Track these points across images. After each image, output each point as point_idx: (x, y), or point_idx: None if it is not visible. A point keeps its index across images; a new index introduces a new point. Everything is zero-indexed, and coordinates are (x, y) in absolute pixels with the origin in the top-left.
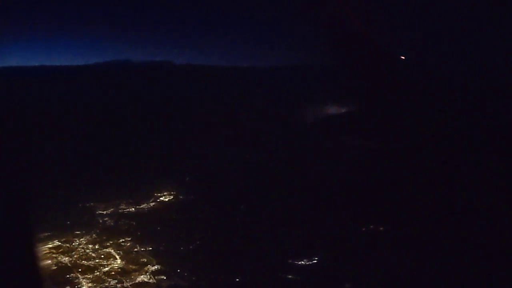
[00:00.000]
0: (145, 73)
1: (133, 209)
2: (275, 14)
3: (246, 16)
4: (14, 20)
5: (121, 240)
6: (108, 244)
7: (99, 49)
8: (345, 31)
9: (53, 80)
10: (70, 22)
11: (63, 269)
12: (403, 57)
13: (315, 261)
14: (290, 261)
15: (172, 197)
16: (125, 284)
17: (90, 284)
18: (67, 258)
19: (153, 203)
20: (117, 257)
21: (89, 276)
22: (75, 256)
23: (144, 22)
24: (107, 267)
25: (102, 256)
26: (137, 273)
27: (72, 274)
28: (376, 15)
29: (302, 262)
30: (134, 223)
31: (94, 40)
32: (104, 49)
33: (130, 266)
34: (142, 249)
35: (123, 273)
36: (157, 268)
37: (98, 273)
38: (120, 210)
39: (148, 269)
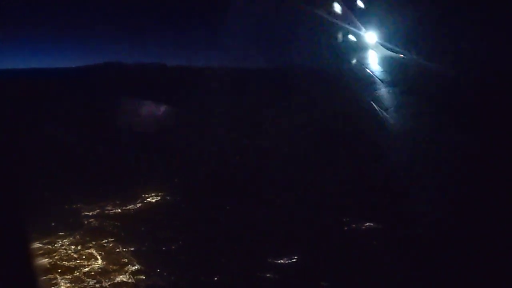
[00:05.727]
0: (137, 75)
1: (119, 210)
2: (268, 16)
3: (240, 18)
4: (4, 23)
5: (104, 241)
6: (90, 245)
7: (91, 52)
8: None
9: (42, 82)
10: (62, 25)
11: (41, 270)
12: (403, 56)
13: (294, 260)
14: (270, 260)
15: (159, 198)
16: (103, 284)
17: (68, 285)
18: (46, 259)
19: (140, 204)
20: (99, 257)
21: (67, 277)
22: (55, 257)
23: (137, 24)
24: (87, 267)
25: (84, 257)
26: (116, 273)
27: (50, 275)
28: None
29: (282, 261)
30: (119, 224)
31: (86, 42)
32: (96, 51)
33: (111, 266)
34: (124, 250)
35: (102, 273)
36: (137, 268)
37: (77, 273)
38: (106, 211)
39: (128, 269)
